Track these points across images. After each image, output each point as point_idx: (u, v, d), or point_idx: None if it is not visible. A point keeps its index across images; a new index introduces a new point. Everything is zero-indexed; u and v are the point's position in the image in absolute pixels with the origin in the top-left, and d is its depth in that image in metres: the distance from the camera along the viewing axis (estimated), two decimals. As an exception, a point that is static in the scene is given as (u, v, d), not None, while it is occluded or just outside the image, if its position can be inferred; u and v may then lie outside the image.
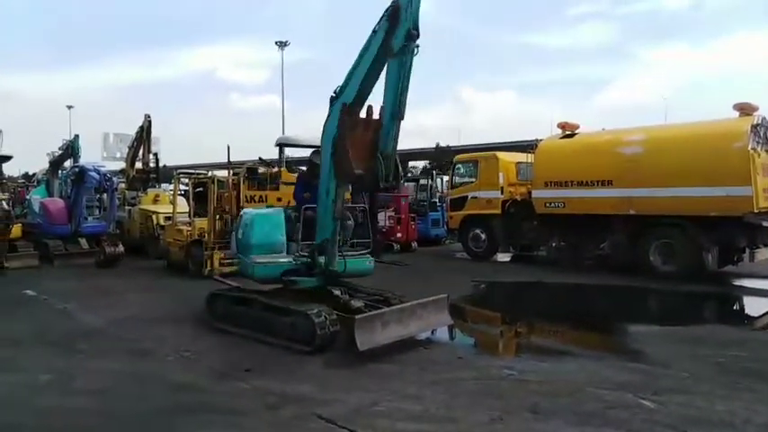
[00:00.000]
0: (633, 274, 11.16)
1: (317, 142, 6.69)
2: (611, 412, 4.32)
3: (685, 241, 10.85)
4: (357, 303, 6.45)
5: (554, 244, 13.46)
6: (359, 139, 5.93)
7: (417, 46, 5.66)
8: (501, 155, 15.10)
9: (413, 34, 5.53)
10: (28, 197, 17.11)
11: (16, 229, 12.81)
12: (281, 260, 6.73)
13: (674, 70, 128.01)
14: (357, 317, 5.79)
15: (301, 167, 10.73)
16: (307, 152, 8.26)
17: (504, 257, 15.17)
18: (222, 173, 16.17)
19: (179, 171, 18.85)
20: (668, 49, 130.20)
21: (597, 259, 12.61)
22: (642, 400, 4.54)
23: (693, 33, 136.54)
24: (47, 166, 19.40)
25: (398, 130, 5.87)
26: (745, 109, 10.73)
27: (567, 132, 13.33)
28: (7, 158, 15.88)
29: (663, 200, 10.96)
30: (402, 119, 5.81)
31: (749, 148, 10.13)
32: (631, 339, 6.97)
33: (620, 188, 11.57)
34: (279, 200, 10.27)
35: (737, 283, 11.19)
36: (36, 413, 4.53)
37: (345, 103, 6.04)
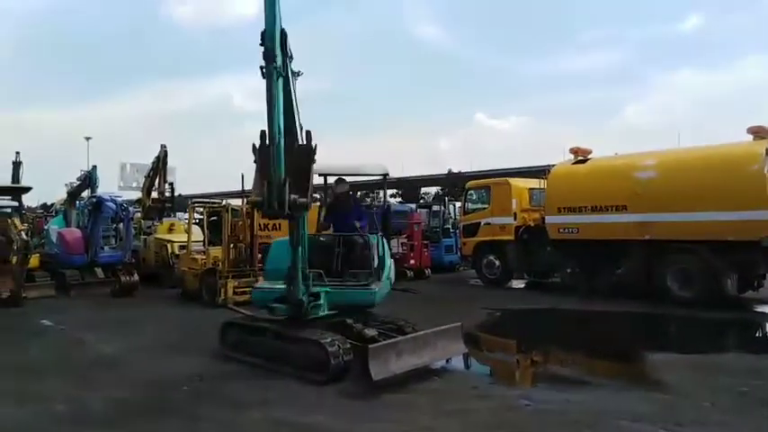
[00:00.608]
0: (650, 301, 11.00)
1: (335, 171, 7.45)
2: (632, 444, 4.23)
3: (703, 266, 10.70)
4: (371, 332, 6.43)
5: (569, 270, 13.35)
6: (263, 164, 5.84)
7: (294, 72, 5.97)
8: (513, 181, 15.13)
9: (268, 55, 5.55)
10: (46, 227, 17.38)
11: (34, 260, 12.99)
12: (278, 287, 6.72)
13: (687, 93, 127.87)
14: (371, 346, 5.76)
15: (314, 195, 10.88)
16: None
17: (518, 284, 15.05)
18: (236, 201, 16.36)
19: (193, 200, 19.09)
20: (680, 72, 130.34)
21: (613, 285, 12.46)
22: (663, 432, 4.44)
23: (705, 56, 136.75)
24: (65, 196, 19.75)
25: (291, 155, 5.71)
26: (759, 132, 10.69)
27: (580, 158, 13.33)
28: (27, 190, 16.14)
29: (678, 224, 10.86)
30: (274, 143, 5.64)
31: (765, 170, 10.05)
32: (650, 368, 6.84)
33: (634, 213, 11.50)
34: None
35: (758, 309, 10.97)
36: (51, 445, 4.54)
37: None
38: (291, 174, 5.67)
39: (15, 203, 15.91)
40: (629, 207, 11.60)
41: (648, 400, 5.33)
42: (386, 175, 8.22)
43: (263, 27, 5.59)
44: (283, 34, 5.69)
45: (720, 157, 11.01)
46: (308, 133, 6.05)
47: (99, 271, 14.45)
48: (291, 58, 6.00)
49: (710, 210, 10.42)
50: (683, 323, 9.77)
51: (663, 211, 11.05)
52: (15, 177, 17.82)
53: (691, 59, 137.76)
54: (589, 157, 13.36)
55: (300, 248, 6.32)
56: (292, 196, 5.60)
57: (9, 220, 12.35)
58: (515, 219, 14.32)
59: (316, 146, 5.96)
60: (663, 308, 10.52)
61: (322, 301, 6.52)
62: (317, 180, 6.91)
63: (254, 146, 5.87)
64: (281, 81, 5.70)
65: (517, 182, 15.10)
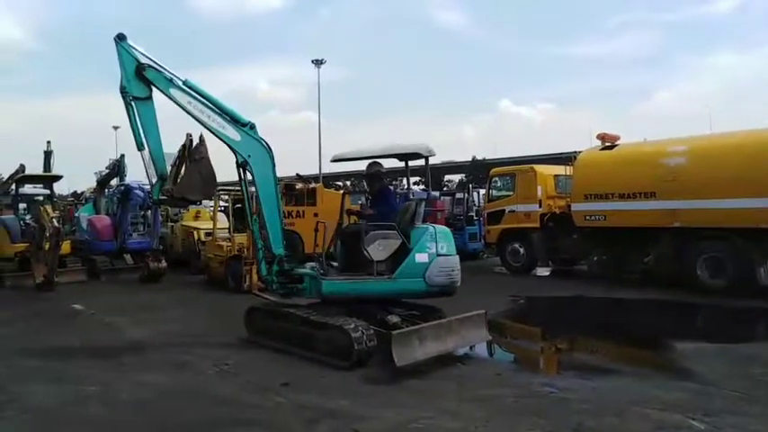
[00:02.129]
0: (679, 289, 10.78)
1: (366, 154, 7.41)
2: (660, 433, 4.16)
3: (735, 254, 10.43)
4: (394, 319, 6.45)
5: (595, 258, 13.15)
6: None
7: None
8: (539, 167, 14.90)
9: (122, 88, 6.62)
10: (76, 215, 17.78)
11: (65, 246, 13.31)
12: (300, 270, 6.92)
13: (718, 78, 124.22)
14: (394, 332, 5.77)
15: (338, 183, 10.91)
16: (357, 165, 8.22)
17: (543, 272, 14.88)
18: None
19: (219, 188, 19.27)
20: (712, 56, 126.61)
21: (641, 273, 12.23)
22: (693, 421, 4.35)
23: (738, 39, 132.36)
24: (94, 184, 20.17)
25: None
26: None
27: (607, 144, 13.07)
28: (58, 178, 16.55)
29: (709, 212, 10.59)
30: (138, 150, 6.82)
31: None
32: (679, 357, 6.71)
33: (663, 200, 11.25)
34: (315, 215, 10.42)
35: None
36: (84, 424, 4.67)
37: None
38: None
39: (47, 191, 16.38)
40: (658, 194, 11.34)
41: (677, 388, 5.23)
42: (429, 155, 7.46)
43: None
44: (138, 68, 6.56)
45: (754, 142, 10.66)
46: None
47: (128, 257, 14.78)
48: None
49: (743, 196, 10.13)
50: (714, 312, 9.56)
51: (693, 198, 10.78)
52: (47, 166, 18.24)
53: (724, 42, 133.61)
54: (617, 143, 13.09)
55: (257, 229, 6.79)
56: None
57: (41, 208, 12.69)
58: (540, 206, 14.13)
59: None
60: (692, 296, 10.30)
61: (305, 285, 6.72)
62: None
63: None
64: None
65: (542, 169, 14.87)
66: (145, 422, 4.69)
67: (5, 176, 17.62)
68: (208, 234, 14.34)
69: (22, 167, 15.09)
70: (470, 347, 6.73)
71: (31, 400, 5.24)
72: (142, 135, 6.60)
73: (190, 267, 14.95)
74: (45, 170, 17.59)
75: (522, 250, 14.54)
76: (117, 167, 16.16)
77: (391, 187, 7.42)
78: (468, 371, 6.02)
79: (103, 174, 17.76)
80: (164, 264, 13.74)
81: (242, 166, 6.67)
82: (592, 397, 5.03)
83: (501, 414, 4.65)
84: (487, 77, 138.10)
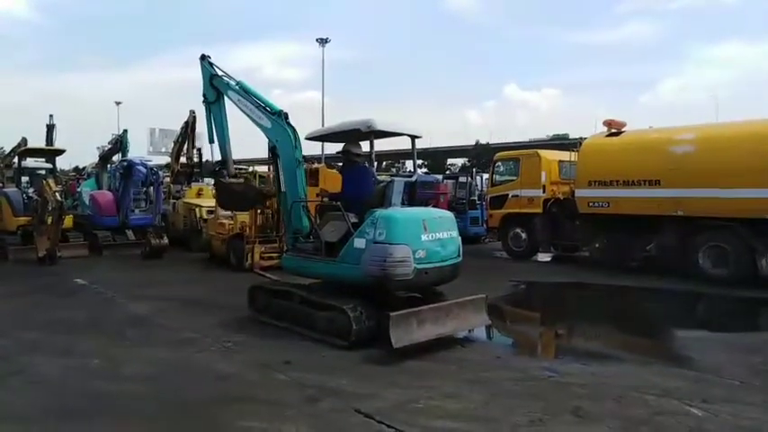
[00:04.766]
0: (681, 278, 10.78)
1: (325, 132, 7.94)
2: (658, 419, 4.19)
3: (738, 244, 10.40)
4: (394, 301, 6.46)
5: (597, 245, 13.13)
6: None
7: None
8: (543, 153, 14.81)
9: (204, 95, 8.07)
10: (79, 190, 17.78)
11: (68, 220, 13.33)
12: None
13: (726, 68, 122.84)
14: (392, 314, 5.74)
15: (339, 163, 10.85)
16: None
17: (544, 257, 14.90)
18: (263, 168, 16.44)
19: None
20: (720, 45, 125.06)
21: (643, 261, 12.23)
22: (691, 408, 4.38)
23: (746, 29, 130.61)
24: (97, 159, 20.11)
25: None
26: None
27: (613, 130, 12.96)
28: (60, 152, 16.51)
29: (714, 201, 10.53)
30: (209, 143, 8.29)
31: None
32: (679, 345, 6.74)
33: (668, 188, 11.18)
34: (318, 195, 10.35)
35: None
36: (88, 397, 4.71)
37: None
38: None
39: (49, 165, 16.33)
40: (663, 182, 11.27)
41: (676, 376, 5.25)
42: (368, 131, 6.73)
43: None
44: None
45: (761, 132, 10.56)
46: None
47: (130, 233, 14.82)
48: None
49: (749, 186, 10.06)
50: (715, 301, 9.57)
51: (698, 187, 10.71)
52: (49, 140, 18.20)
53: (732, 32, 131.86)
54: (623, 130, 12.99)
55: (286, 204, 7.18)
56: None
57: (44, 181, 12.67)
58: (544, 191, 14.08)
59: None
60: (694, 285, 10.30)
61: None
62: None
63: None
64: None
65: (547, 154, 14.77)
66: (147, 397, 4.73)
67: (8, 150, 17.61)
68: (210, 212, 14.33)
69: (24, 140, 15.04)
70: (470, 331, 6.75)
71: (35, 372, 5.30)
72: (214, 131, 7.97)
73: (191, 245, 14.98)
74: (47, 144, 17.56)
75: (524, 235, 14.53)
76: (119, 143, 16.10)
77: (368, 166, 7.21)
78: (468, 353, 6.05)
79: (106, 149, 17.71)
80: (166, 240, 13.77)
81: (272, 150, 7.23)
82: (591, 382, 5.06)
83: (500, 396, 4.68)
84: (495, 62, 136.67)
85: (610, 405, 4.47)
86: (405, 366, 5.43)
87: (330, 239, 6.46)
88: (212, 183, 15.21)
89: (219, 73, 7.90)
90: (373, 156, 7.32)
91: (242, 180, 8.87)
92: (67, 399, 4.69)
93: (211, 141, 8.12)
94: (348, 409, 4.37)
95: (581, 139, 13.56)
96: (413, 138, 7.21)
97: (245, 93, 7.50)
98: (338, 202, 6.54)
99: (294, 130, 7.11)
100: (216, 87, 7.90)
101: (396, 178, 7.11)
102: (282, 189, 7.16)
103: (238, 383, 5.04)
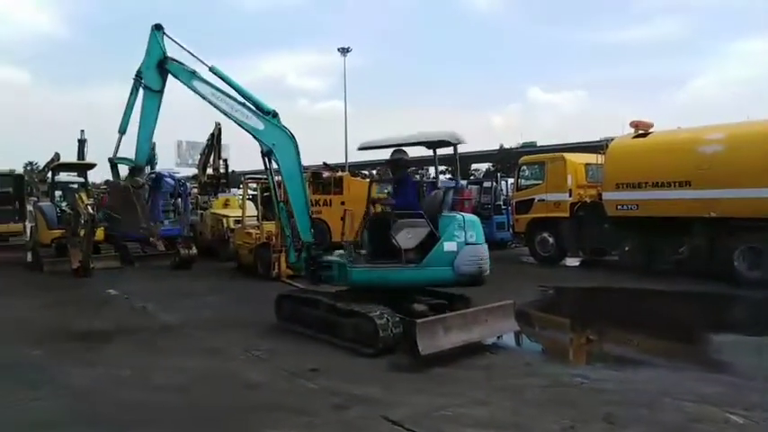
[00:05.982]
0: (715, 281, 10.51)
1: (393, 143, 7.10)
2: (696, 426, 4.07)
3: (774, 245, 10.10)
4: (420, 307, 6.46)
5: (626, 248, 12.87)
6: None
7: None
8: (569, 156, 14.63)
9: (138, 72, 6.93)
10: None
11: (99, 233, 13.62)
12: (328, 258, 7.05)
13: (756, 65, 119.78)
14: (419, 321, 5.75)
15: (363, 171, 10.88)
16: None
17: (573, 262, 14.67)
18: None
19: (247, 176, 19.49)
20: (747, 42, 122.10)
21: (674, 265, 11.95)
22: (731, 415, 4.23)
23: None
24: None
25: None
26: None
27: (641, 132, 12.73)
28: (91, 166, 16.91)
29: (748, 201, 10.25)
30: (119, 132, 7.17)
31: None
32: (715, 349, 6.56)
33: (698, 189, 10.93)
34: (342, 204, 10.44)
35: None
36: (119, 406, 4.78)
37: None
38: None
39: (81, 179, 16.76)
40: (694, 183, 11.03)
41: (713, 381, 5.11)
42: (457, 143, 6.97)
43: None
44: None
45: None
46: None
47: (159, 244, 15.06)
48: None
49: (783, 185, 9.78)
50: (750, 304, 9.29)
51: (730, 187, 10.45)
52: (80, 154, 18.69)
53: (760, 28, 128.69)
54: (650, 131, 12.75)
55: (285, 216, 6.95)
56: None
57: (77, 195, 13.00)
58: (570, 195, 13.89)
59: None
60: (728, 288, 10.03)
61: (334, 273, 6.76)
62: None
63: None
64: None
65: (573, 157, 14.59)
66: (178, 405, 4.78)
67: (42, 165, 18.13)
68: (237, 222, 14.51)
69: (57, 156, 15.47)
70: (498, 337, 6.68)
71: (68, 381, 5.41)
72: (138, 123, 6.73)
73: (219, 255, 15.17)
74: (79, 158, 18.03)
75: (551, 240, 14.35)
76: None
77: (417, 176, 7.22)
78: (496, 360, 5.98)
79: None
80: (194, 250, 13.98)
81: (267, 155, 6.74)
82: (623, 388, 4.95)
83: (530, 403, 4.61)
84: (518, 64, 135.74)
85: (643, 412, 4.35)
86: (432, 373, 5.40)
87: (408, 246, 6.45)
88: (239, 193, 15.43)
89: (178, 57, 6.49)
90: (458, 165, 7.75)
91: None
92: (98, 407, 4.77)
93: (122, 132, 6.83)
94: (376, 416, 4.35)
95: (607, 140, 13.35)
96: (455, 145, 7.15)
97: (222, 82, 6.48)
98: (414, 211, 6.55)
99: (292, 133, 6.63)
100: (166, 75, 6.53)
101: (447, 185, 7.22)
102: (280, 199, 6.90)
103: (267, 392, 5.07)
